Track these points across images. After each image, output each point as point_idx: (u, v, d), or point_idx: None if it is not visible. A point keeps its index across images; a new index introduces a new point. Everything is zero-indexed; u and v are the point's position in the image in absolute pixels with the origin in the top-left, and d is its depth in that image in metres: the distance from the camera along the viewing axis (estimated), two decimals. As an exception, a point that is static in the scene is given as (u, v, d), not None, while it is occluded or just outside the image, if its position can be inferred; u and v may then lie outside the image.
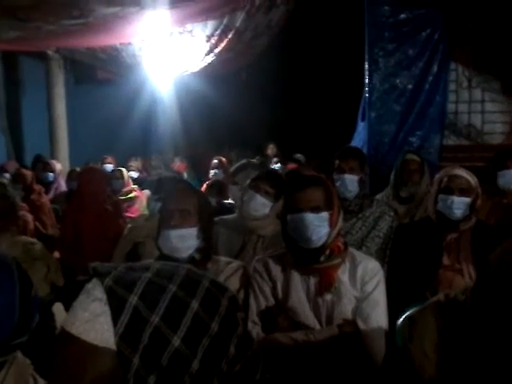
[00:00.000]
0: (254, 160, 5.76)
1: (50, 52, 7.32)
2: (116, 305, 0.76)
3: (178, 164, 7.97)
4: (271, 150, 8.26)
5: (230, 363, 0.80)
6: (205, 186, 4.46)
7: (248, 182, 2.67)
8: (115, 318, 0.75)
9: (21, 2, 3.82)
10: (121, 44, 6.65)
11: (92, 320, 0.76)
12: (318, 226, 1.87)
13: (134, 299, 0.76)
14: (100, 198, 3.39)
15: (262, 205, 2.56)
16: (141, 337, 0.75)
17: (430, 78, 4.84)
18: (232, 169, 4.99)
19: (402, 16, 4.80)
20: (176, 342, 0.76)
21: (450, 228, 2.46)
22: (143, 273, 0.80)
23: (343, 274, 1.91)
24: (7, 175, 5.60)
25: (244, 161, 4.73)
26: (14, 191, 3.65)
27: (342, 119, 6.60)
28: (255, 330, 1.94)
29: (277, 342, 1.87)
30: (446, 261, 2.41)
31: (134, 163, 7.41)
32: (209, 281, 0.83)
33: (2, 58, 8.38)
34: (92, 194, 3.37)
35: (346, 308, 1.88)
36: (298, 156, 6.90)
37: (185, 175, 7.13)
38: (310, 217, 1.86)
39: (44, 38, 5.59)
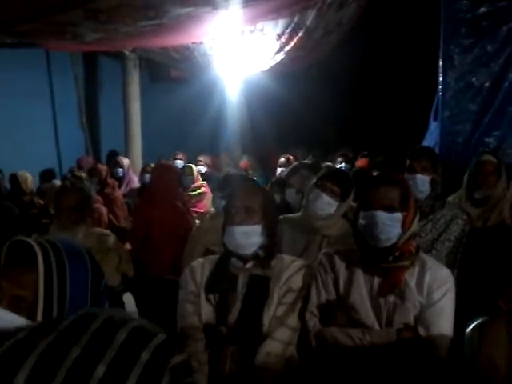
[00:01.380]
0: (307, 161, 5.69)
1: (126, 52, 7.60)
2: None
3: (244, 161, 8.06)
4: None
5: None
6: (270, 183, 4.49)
7: (314, 180, 2.65)
8: None
9: (103, 6, 4.01)
10: (193, 43, 6.79)
11: None
12: (389, 226, 1.83)
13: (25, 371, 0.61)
14: (171, 195, 3.47)
15: (327, 204, 2.54)
16: None
17: (510, 76, 4.60)
18: (285, 172, 4.99)
19: (482, 10, 4.58)
20: None
21: (527, 234, 2.34)
22: (46, 337, 0.65)
23: (411, 278, 1.87)
24: (80, 170, 5.91)
25: (296, 163, 4.69)
26: (90, 185, 3.85)
27: (413, 118, 6.42)
28: (312, 321, 1.94)
29: (332, 337, 1.86)
30: (521, 269, 2.30)
31: (204, 158, 7.57)
32: (127, 332, 0.66)
33: (82, 57, 8.83)
34: (163, 191, 3.45)
35: (409, 312, 1.84)
36: (366, 154, 6.79)
37: (250, 173, 7.19)
38: (382, 215, 1.83)
39: (121, 38, 5.81)
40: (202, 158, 7.48)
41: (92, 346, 0.64)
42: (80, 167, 6.31)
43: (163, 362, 0.66)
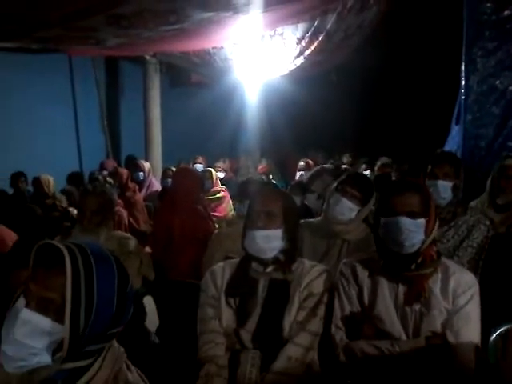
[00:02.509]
0: (329, 165, 5.67)
1: (147, 56, 7.68)
2: None
3: (262, 166, 8.08)
4: (347, 158, 8.17)
5: None
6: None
7: (335, 184, 2.63)
8: None
9: (125, 11, 4.06)
10: (213, 48, 6.83)
11: None
12: (413, 232, 1.81)
13: None
14: (192, 199, 3.47)
15: (348, 209, 2.52)
16: None
17: (535, 79, 4.53)
18: (306, 177, 4.99)
19: (506, 13, 4.52)
20: None
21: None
22: None
23: (434, 285, 1.84)
24: (105, 172, 5.98)
25: (318, 167, 4.67)
26: (112, 188, 3.89)
27: (434, 122, 6.36)
28: (339, 335, 1.92)
29: (361, 350, 1.84)
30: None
31: (221, 164, 7.62)
32: None
33: (104, 62, 8.94)
34: (185, 195, 3.44)
35: (436, 320, 1.81)
36: (385, 159, 6.74)
37: (269, 176, 7.20)
38: (406, 221, 1.81)
39: (142, 43, 5.87)
40: (219, 164, 7.53)
41: None
42: (104, 170, 6.38)
43: None
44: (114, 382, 1.21)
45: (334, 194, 2.56)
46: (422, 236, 1.82)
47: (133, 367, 1.30)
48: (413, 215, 1.82)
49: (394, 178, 5.26)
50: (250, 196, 2.90)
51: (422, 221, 1.83)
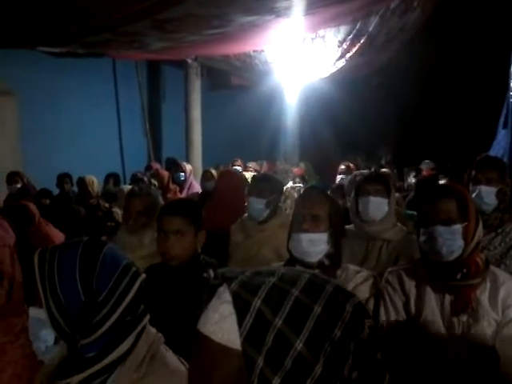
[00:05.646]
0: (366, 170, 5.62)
1: (188, 60, 7.77)
2: (241, 307, 0.79)
3: (297, 169, 8.04)
4: (385, 160, 8.06)
5: (351, 370, 0.79)
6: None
7: (353, 192, 2.68)
8: (240, 320, 0.78)
9: (170, 16, 4.13)
10: (254, 51, 6.87)
11: (220, 321, 0.79)
12: (449, 240, 1.77)
13: (257, 302, 0.78)
14: (236, 201, 3.47)
15: (379, 204, 2.56)
16: (264, 339, 0.77)
17: None
18: (347, 180, 4.99)
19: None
20: (299, 345, 0.76)
21: None
22: (268, 277, 0.82)
23: (483, 295, 1.79)
24: (147, 174, 6.07)
25: (356, 172, 4.68)
26: (156, 190, 3.95)
27: (478, 126, 6.20)
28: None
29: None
30: None
31: (253, 165, 7.61)
32: (333, 286, 0.82)
33: (146, 66, 9.11)
34: (229, 197, 3.46)
35: (484, 331, 1.76)
36: (427, 162, 6.62)
37: (304, 180, 7.15)
38: (440, 230, 1.78)
39: (185, 47, 5.96)
40: (251, 165, 7.53)
41: (307, 290, 0.80)
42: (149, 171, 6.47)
43: (362, 316, 0.82)
44: (151, 361, 1.28)
45: (360, 197, 2.59)
46: (460, 242, 1.78)
47: (170, 351, 1.37)
48: (448, 222, 1.79)
49: (440, 181, 5.18)
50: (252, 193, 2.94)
51: (458, 227, 1.78)
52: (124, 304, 1.27)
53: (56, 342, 1.68)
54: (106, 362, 1.25)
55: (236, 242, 3.00)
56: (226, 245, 3.05)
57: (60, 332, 1.28)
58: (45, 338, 1.67)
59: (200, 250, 2.23)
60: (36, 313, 1.31)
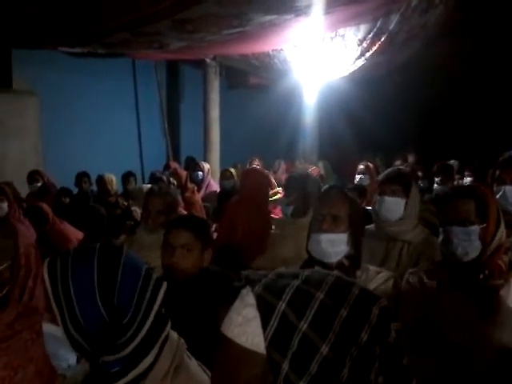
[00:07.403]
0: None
1: (207, 59, 7.78)
2: (265, 311, 0.78)
3: (314, 168, 8.00)
4: (411, 158, 7.97)
5: (377, 374, 0.78)
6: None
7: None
8: (265, 324, 0.77)
9: (190, 16, 4.14)
10: (273, 50, 6.84)
11: (244, 324, 0.79)
12: (465, 241, 1.75)
13: (282, 306, 0.78)
14: (260, 199, 3.44)
15: (395, 204, 2.50)
16: (289, 343, 0.76)
17: None
18: (365, 180, 4.95)
19: None
20: (324, 349, 0.75)
21: None
22: (292, 280, 0.81)
23: (507, 297, 1.75)
24: (166, 173, 6.09)
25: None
26: (175, 189, 3.96)
27: (502, 124, 6.10)
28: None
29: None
30: None
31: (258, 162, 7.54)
32: (359, 289, 0.82)
33: (165, 66, 9.16)
34: (253, 196, 3.41)
35: (509, 336, 1.72)
36: (452, 162, 6.52)
37: (324, 179, 7.11)
38: (456, 230, 1.76)
39: (204, 46, 5.96)
40: (257, 163, 7.47)
41: (333, 293, 0.79)
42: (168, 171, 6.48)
43: (388, 319, 0.81)
44: (176, 373, 1.23)
45: (376, 198, 2.56)
46: (476, 244, 1.75)
47: (193, 358, 1.32)
48: (464, 223, 1.77)
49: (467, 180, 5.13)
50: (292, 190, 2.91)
51: (475, 228, 1.75)
52: (150, 320, 1.20)
53: (78, 360, 1.59)
54: (130, 376, 1.18)
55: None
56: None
57: (80, 351, 1.20)
58: (65, 357, 1.59)
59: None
60: (50, 329, 1.22)
